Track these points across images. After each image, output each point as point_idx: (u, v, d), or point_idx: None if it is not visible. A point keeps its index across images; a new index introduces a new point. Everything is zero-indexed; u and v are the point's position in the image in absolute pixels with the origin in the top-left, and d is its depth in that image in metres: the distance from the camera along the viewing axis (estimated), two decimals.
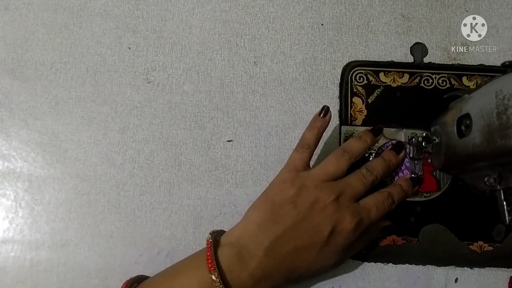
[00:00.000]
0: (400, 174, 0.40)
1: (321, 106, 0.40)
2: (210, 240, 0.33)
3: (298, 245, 0.33)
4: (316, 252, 0.33)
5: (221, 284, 0.31)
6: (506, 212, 0.31)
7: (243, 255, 0.32)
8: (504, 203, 0.31)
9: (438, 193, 0.40)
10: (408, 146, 0.40)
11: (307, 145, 0.37)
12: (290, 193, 0.34)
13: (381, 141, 0.40)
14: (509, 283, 0.38)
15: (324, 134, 0.40)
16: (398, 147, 0.39)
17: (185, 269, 0.34)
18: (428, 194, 0.40)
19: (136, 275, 0.36)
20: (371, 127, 0.39)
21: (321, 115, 0.37)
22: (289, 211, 0.33)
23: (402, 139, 0.41)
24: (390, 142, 0.40)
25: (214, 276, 0.31)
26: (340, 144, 0.41)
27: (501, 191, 0.31)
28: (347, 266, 0.39)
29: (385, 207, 0.36)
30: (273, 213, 0.34)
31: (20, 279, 0.40)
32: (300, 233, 0.33)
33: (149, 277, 0.36)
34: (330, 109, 0.42)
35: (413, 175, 0.39)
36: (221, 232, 0.36)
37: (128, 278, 0.35)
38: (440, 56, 0.43)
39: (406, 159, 0.40)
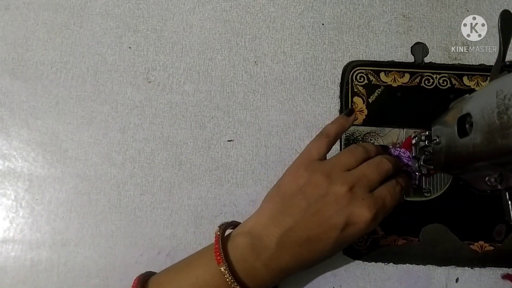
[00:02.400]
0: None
1: (322, 106, 0.40)
2: (218, 233, 0.33)
3: (311, 238, 0.32)
4: (331, 244, 0.32)
5: (230, 276, 0.31)
6: (511, 211, 0.31)
7: (256, 246, 0.32)
8: (509, 203, 0.31)
9: (439, 193, 0.40)
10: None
11: (326, 134, 0.36)
12: (301, 183, 0.33)
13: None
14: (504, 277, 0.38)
15: None
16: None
17: (198, 261, 0.33)
18: (429, 194, 0.40)
19: (137, 274, 0.36)
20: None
21: (346, 115, 0.37)
22: (299, 202, 0.33)
23: (403, 139, 0.41)
24: (394, 149, 0.40)
25: (223, 268, 0.31)
26: (340, 144, 0.41)
27: (506, 192, 0.31)
28: (348, 266, 0.39)
29: (396, 193, 0.34)
30: (284, 205, 0.33)
31: (21, 279, 0.40)
32: (312, 226, 0.32)
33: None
34: (331, 108, 0.42)
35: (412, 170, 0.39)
36: (232, 223, 0.36)
37: (133, 277, 0.35)
38: (440, 56, 0.43)
39: (409, 159, 0.40)
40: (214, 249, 0.32)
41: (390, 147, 0.40)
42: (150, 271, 0.36)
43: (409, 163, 0.39)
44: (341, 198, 0.32)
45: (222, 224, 0.35)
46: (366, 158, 0.35)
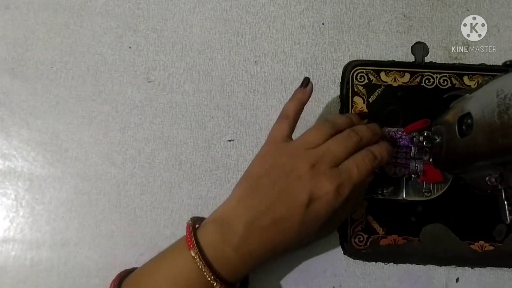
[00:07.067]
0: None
1: (322, 106, 0.40)
2: (190, 222, 0.34)
3: (276, 218, 0.32)
4: (298, 223, 0.32)
5: (201, 260, 0.31)
6: (507, 211, 0.31)
7: (225, 231, 0.32)
8: (505, 202, 0.31)
9: (439, 193, 0.40)
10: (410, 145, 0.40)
11: (286, 116, 0.36)
12: (267, 166, 0.34)
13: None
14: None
15: None
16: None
17: (172, 252, 0.34)
18: (429, 194, 0.40)
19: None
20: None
21: (302, 87, 0.37)
22: (265, 183, 0.33)
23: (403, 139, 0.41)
24: (391, 131, 0.40)
25: (193, 252, 0.31)
26: None
27: (502, 190, 0.31)
28: (348, 266, 0.39)
29: (367, 164, 0.33)
30: (251, 187, 0.33)
31: (21, 279, 0.40)
32: (277, 204, 0.32)
33: None
34: (331, 108, 0.42)
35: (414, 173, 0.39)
36: (202, 219, 0.36)
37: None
38: (441, 55, 0.43)
39: (407, 143, 0.39)
40: (186, 236, 0.33)
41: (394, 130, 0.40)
42: (135, 267, 0.36)
43: (409, 145, 0.39)
44: (303, 175, 0.32)
45: (194, 217, 0.35)
46: (334, 133, 0.35)
